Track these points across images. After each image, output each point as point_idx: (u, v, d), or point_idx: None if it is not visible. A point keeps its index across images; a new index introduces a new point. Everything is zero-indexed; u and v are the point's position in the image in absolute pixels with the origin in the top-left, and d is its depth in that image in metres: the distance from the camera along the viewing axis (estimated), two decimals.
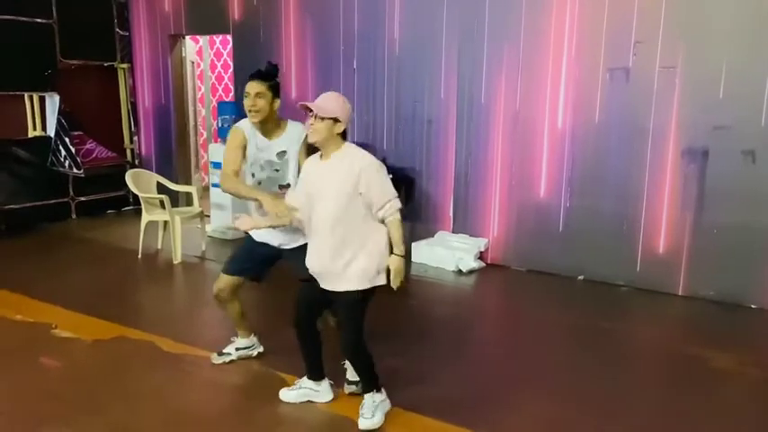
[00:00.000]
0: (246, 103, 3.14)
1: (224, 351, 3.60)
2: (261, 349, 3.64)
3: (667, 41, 4.62)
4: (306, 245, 2.97)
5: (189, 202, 7.05)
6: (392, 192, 2.85)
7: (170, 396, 3.21)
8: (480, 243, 5.55)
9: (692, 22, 4.54)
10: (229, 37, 8.35)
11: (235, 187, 3.21)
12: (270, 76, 3.21)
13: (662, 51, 4.65)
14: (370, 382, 2.97)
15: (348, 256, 2.81)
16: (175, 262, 5.50)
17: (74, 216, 7.15)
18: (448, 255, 5.43)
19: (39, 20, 6.59)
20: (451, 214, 5.75)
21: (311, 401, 3.13)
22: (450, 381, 3.41)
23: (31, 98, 6.74)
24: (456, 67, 5.55)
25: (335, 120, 2.79)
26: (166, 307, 4.64)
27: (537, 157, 5.28)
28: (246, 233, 3.35)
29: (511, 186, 5.44)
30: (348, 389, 3.24)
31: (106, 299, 4.61)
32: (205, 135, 8.95)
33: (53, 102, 6.81)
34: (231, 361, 3.55)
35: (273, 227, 3.16)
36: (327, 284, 2.89)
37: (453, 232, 5.74)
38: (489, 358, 3.77)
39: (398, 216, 2.86)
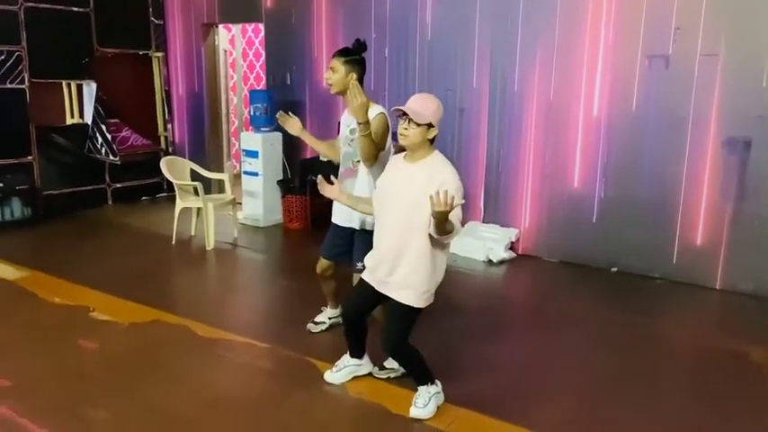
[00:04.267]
0: (325, 75, 3.43)
1: (317, 320, 3.87)
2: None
3: (709, 28, 4.49)
4: (372, 233, 2.99)
5: (221, 190, 7.14)
6: (458, 219, 2.63)
7: (205, 380, 3.26)
8: (511, 233, 5.50)
9: (735, 7, 4.40)
10: (261, 26, 8.42)
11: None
12: (348, 52, 3.33)
13: (703, 38, 4.51)
14: (421, 377, 2.96)
15: (406, 266, 2.76)
16: (208, 248, 5.58)
17: (110, 202, 7.30)
18: (478, 245, 5.40)
19: (76, 9, 6.70)
20: (482, 204, 5.70)
21: (356, 376, 3.22)
22: (483, 373, 3.39)
23: (69, 86, 6.88)
24: (489, 55, 5.48)
25: (429, 125, 2.72)
26: (200, 292, 4.71)
27: (571, 146, 5.19)
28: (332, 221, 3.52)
29: (543, 176, 5.37)
30: (380, 374, 3.26)
31: (142, 283, 4.70)
32: (237, 123, 9.03)
33: (90, 90, 6.93)
34: (326, 329, 3.83)
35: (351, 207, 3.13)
36: (381, 287, 2.87)
37: (484, 222, 5.69)
38: (522, 350, 3.73)
39: (447, 241, 2.73)
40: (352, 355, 3.22)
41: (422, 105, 2.72)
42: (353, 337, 3.15)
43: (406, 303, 2.79)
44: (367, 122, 3.06)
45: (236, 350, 3.62)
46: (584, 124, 5.10)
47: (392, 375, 3.28)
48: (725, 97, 4.50)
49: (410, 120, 2.69)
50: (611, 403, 3.11)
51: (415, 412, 2.90)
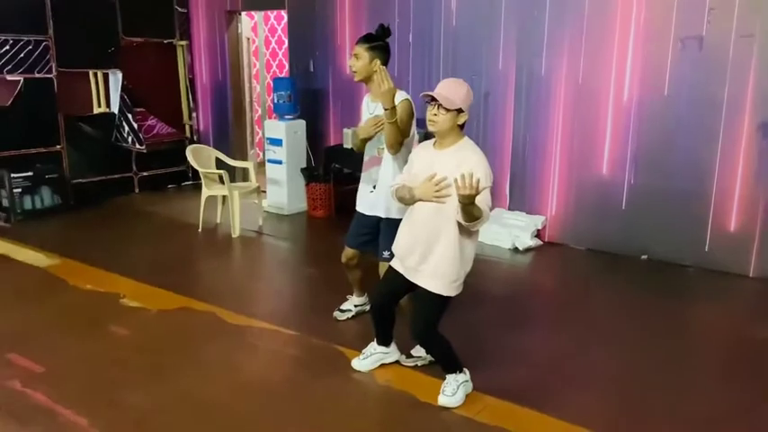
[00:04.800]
0: (349, 62, 3.44)
1: (343, 308, 3.89)
2: (368, 308, 3.75)
3: (744, 8, 4.35)
4: (398, 221, 2.99)
5: (245, 178, 7.17)
6: (486, 205, 2.59)
7: (235, 366, 3.28)
8: (537, 221, 5.43)
9: None
10: (284, 12, 8.40)
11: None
12: (372, 38, 3.29)
13: (738, 18, 4.38)
14: (449, 365, 2.94)
15: (437, 255, 2.74)
16: (234, 236, 5.61)
17: (137, 190, 7.38)
18: (504, 232, 5.35)
19: None
20: (508, 191, 5.64)
21: (383, 364, 3.22)
22: (511, 361, 3.36)
23: (95, 75, 6.94)
24: (515, 38, 5.39)
25: (459, 110, 2.67)
26: (227, 280, 4.75)
27: (600, 132, 5.10)
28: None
29: (571, 162, 5.28)
30: (407, 361, 3.26)
31: (170, 270, 4.75)
32: (260, 111, 9.04)
33: (116, 79, 6.98)
34: (352, 317, 3.84)
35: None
36: (411, 276, 2.84)
37: (509, 209, 5.63)
38: (550, 339, 3.69)
39: (486, 219, 2.62)
40: (380, 343, 3.22)
41: (451, 90, 2.68)
42: (381, 326, 3.14)
43: (437, 292, 2.77)
44: (393, 108, 3.03)
45: (264, 337, 3.64)
46: (614, 109, 5.00)
47: (419, 363, 3.27)
48: (761, 79, 4.37)
49: (439, 105, 2.64)
50: (642, 391, 3.06)
51: (443, 400, 2.89)
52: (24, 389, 3.01)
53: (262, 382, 3.15)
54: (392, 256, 3.01)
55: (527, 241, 5.27)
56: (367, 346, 3.27)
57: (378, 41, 3.29)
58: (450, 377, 2.94)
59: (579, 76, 5.11)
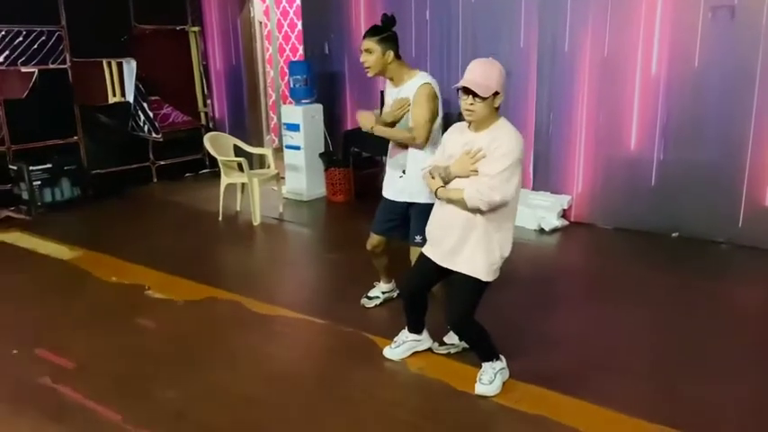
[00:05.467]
0: (361, 59, 3.28)
1: (371, 295, 3.82)
2: (395, 294, 3.77)
3: None
4: (429, 206, 2.92)
5: (262, 165, 7.11)
6: (501, 181, 2.52)
7: (266, 356, 3.24)
8: (563, 200, 5.32)
9: None
10: None
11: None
12: (380, 30, 3.20)
13: None
14: (486, 353, 2.87)
15: (474, 239, 2.66)
16: (255, 224, 5.56)
17: (155, 180, 7.35)
18: (529, 213, 5.24)
19: None
20: (531, 170, 5.52)
21: (415, 352, 3.15)
22: (546, 346, 3.29)
23: (109, 64, 6.88)
24: (537, 13, 5.23)
25: (495, 93, 2.56)
26: (252, 268, 4.70)
27: (627, 107, 4.95)
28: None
29: (597, 139, 5.15)
30: (440, 349, 3.19)
31: (193, 260, 4.71)
32: (274, 96, 8.95)
33: (130, 67, 6.92)
34: (380, 304, 3.77)
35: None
36: (446, 261, 2.75)
37: (534, 190, 5.52)
38: (584, 322, 3.61)
39: (475, 201, 2.56)
40: (411, 330, 3.15)
41: (484, 75, 2.53)
42: (413, 313, 3.08)
43: (475, 276, 2.69)
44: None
45: (292, 326, 3.59)
46: (642, 83, 4.84)
47: (452, 351, 3.20)
48: None
49: (474, 95, 2.52)
50: (682, 375, 2.97)
51: (480, 389, 2.82)
52: (55, 385, 2.99)
53: (294, 374, 3.10)
54: (424, 241, 2.93)
55: (553, 221, 5.16)
56: (398, 333, 3.20)
57: (386, 32, 3.19)
58: (486, 365, 2.88)
59: (605, 51, 4.96)
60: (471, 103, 2.54)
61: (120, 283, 4.27)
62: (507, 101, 5.37)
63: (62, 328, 3.62)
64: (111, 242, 5.12)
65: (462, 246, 2.69)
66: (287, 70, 8.75)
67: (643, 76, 4.83)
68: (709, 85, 4.55)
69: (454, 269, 2.74)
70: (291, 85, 6.30)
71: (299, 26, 8.46)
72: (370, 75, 3.28)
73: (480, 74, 2.54)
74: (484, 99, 2.52)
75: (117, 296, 4.07)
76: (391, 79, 3.29)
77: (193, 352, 3.30)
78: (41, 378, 3.05)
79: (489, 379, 2.84)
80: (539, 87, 5.35)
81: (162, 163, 7.41)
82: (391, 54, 3.18)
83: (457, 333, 2.94)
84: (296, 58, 8.52)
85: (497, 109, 2.62)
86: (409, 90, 3.17)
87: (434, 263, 2.81)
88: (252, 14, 7.47)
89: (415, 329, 3.15)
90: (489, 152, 2.57)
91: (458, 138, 2.73)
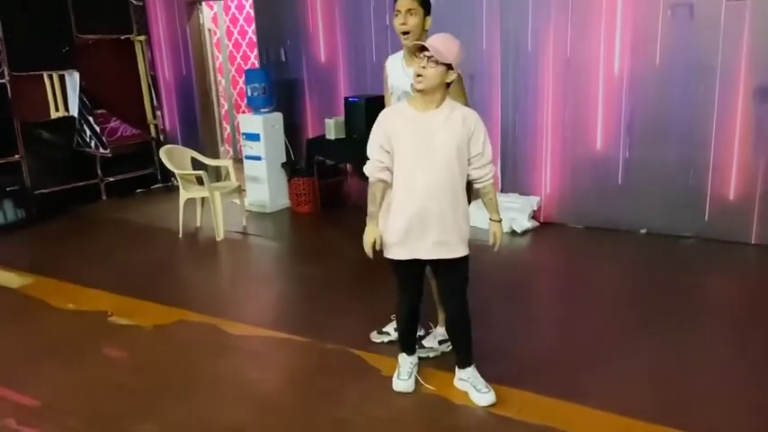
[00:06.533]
0: (396, 22, 2.86)
1: (383, 330, 3.36)
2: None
3: None
4: None
5: (219, 177, 6.85)
6: (491, 155, 2.66)
7: (248, 381, 3.05)
8: (533, 201, 5.31)
9: None
10: (245, 1, 8.04)
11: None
12: None
13: None
14: (471, 353, 2.79)
15: (460, 219, 2.61)
16: (218, 239, 5.32)
17: (104, 197, 6.96)
18: None
19: None
20: (500, 172, 5.49)
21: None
22: (530, 349, 3.24)
23: (50, 77, 6.49)
24: (498, 14, 5.22)
25: (449, 67, 2.48)
26: (220, 287, 4.48)
27: (592, 106, 4.99)
28: None
29: (564, 139, 5.17)
30: (420, 352, 3.05)
31: (156, 281, 4.45)
32: (226, 106, 8.68)
33: (73, 80, 6.54)
34: (390, 341, 3.27)
35: None
36: (434, 252, 2.61)
37: (502, 192, 5.48)
38: (563, 323, 3.58)
39: (491, 180, 2.68)
40: (410, 353, 2.94)
41: (443, 43, 2.48)
42: (414, 333, 2.96)
43: (464, 254, 2.66)
44: None
45: (273, 346, 3.41)
46: (605, 82, 4.89)
47: (431, 355, 3.12)
48: (754, 45, 4.31)
49: (428, 58, 2.44)
50: (671, 372, 2.97)
51: (484, 399, 2.72)
52: (20, 427, 2.72)
53: (281, 398, 2.93)
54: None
55: (524, 223, 5.14)
56: (399, 363, 2.93)
57: None
58: (471, 371, 2.79)
59: (567, 51, 4.98)
60: (423, 67, 2.45)
61: (78, 311, 3.98)
62: (472, 103, 5.37)
63: (21, 364, 3.32)
64: (64, 266, 4.79)
65: (450, 227, 2.59)
66: (239, 79, 8.61)
67: (606, 75, 4.88)
68: (672, 83, 4.63)
69: (447, 257, 2.62)
70: (249, 94, 6.08)
71: (250, 33, 8.25)
72: (408, 42, 2.84)
73: (440, 41, 2.49)
74: (437, 64, 2.44)
75: (77, 325, 3.78)
76: (409, 55, 2.90)
77: (169, 381, 3.08)
78: (5, 419, 2.77)
79: (485, 386, 2.75)
80: (503, 88, 5.34)
81: (111, 179, 7.03)
82: (429, 21, 2.87)
83: (462, 329, 2.77)
84: (248, 66, 8.28)
85: (447, 87, 2.54)
86: None
87: (417, 266, 2.69)
88: (201, 21, 7.21)
89: (414, 349, 2.98)
90: (471, 130, 2.55)
91: (406, 116, 2.57)
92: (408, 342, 2.94)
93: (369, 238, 2.63)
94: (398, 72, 3.03)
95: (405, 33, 2.86)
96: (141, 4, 7.16)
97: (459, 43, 2.52)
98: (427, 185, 2.54)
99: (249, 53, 8.38)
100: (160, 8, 7.16)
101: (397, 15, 2.86)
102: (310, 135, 6.37)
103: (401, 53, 3.05)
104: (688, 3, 4.46)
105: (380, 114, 2.66)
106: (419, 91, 2.51)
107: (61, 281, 4.48)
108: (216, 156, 7.30)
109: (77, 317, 3.90)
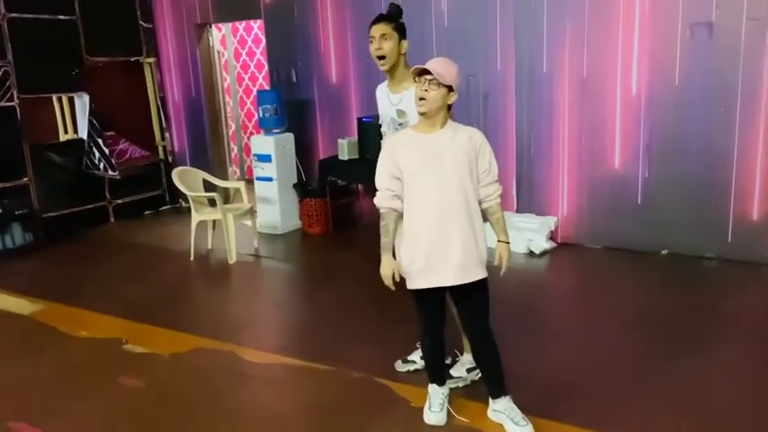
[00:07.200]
0: (372, 48, 2.91)
1: (408, 359, 3.25)
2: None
3: None
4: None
5: (227, 198, 6.78)
6: (497, 173, 2.64)
7: (273, 413, 2.95)
8: (550, 222, 5.24)
9: None
10: (253, 23, 8.05)
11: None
12: (393, 17, 2.94)
13: (748, 1, 4.27)
14: (502, 378, 2.69)
15: (478, 239, 2.56)
16: (231, 262, 5.23)
17: (112, 219, 6.89)
18: (517, 236, 5.10)
19: (62, 17, 6.27)
20: (515, 192, 5.43)
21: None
22: (549, 375, 3.14)
23: (60, 100, 6.44)
24: (513, 35, 5.19)
25: (450, 88, 2.48)
26: (236, 312, 4.37)
27: (609, 126, 4.94)
28: None
29: (581, 159, 5.11)
30: (450, 383, 2.94)
31: (170, 307, 4.35)
32: (233, 127, 8.65)
33: (82, 102, 6.50)
34: (416, 370, 3.18)
35: None
36: (459, 277, 2.54)
37: (518, 212, 5.42)
38: (587, 348, 3.47)
39: (498, 199, 2.65)
40: (441, 383, 2.84)
41: (443, 66, 2.47)
42: (442, 362, 2.87)
43: (484, 277, 2.60)
44: None
45: (295, 375, 3.31)
46: (623, 102, 4.84)
47: (461, 384, 3.02)
48: None
49: (431, 81, 2.43)
50: (697, 400, 2.87)
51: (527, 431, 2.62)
52: None
53: (311, 429, 2.82)
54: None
55: (543, 244, 5.06)
56: (429, 394, 2.82)
57: (398, 20, 2.94)
58: (504, 402, 2.68)
59: (584, 70, 4.95)
60: (426, 90, 2.45)
61: (92, 338, 3.88)
62: (486, 123, 5.36)
63: (36, 396, 3.21)
64: (75, 291, 4.70)
65: (469, 249, 2.53)
66: (246, 100, 8.59)
67: (624, 95, 4.83)
68: (691, 102, 4.59)
69: (470, 280, 2.56)
70: (261, 115, 6.04)
71: (258, 54, 8.25)
72: (384, 67, 2.91)
73: (438, 64, 2.48)
74: (439, 87, 2.43)
75: (92, 353, 3.68)
76: (392, 79, 2.97)
77: (191, 412, 2.97)
78: None
79: (523, 419, 2.64)
80: (518, 109, 5.29)
81: (119, 201, 6.97)
82: (405, 45, 2.92)
83: (491, 353, 2.68)
84: (256, 87, 8.27)
85: (450, 108, 2.54)
86: (412, 99, 2.76)
87: (439, 293, 2.62)
88: (211, 43, 7.19)
89: (444, 380, 2.87)
90: (477, 149, 2.55)
91: (412, 141, 2.56)
92: (438, 372, 2.85)
93: (386, 270, 2.55)
94: (384, 101, 3.08)
95: (380, 58, 2.90)
96: (151, 26, 7.16)
97: (457, 66, 2.54)
98: (441, 206, 2.51)
99: (257, 74, 8.37)
100: (170, 30, 7.15)
101: (371, 41, 2.90)
102: (321, 155, 6.32)
103: (387, 82, 3.07)
104: (707, 22, 4.43)
105: (386, 143, 2.67)
106: (422, 114, 2.52)
107: (72, 307, 4.38)
108: (224, 177, 7.24)
109: (91, 345, 3.79)
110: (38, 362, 3.59)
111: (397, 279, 2.57)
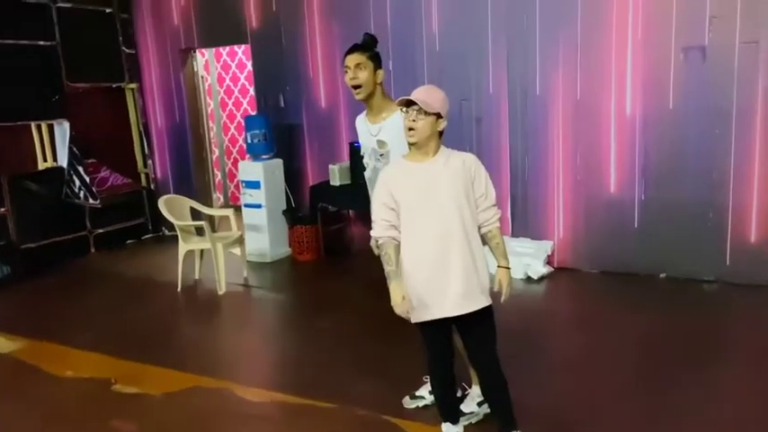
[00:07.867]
0: (347, 77, 2.87)
1: (417, 394, 3.13)
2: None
3: (747, 14, 4.28)
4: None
5: (212, 226, 6.59)
6: (494, 198, 2.59)
7: None
8: (546, 246, 5.17)
9: None
10: (237, 48, 7.95)
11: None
12: (368, 46, 2.89)
13: (741, 25, 4.31)
14: (512, 413, 2.58)
15: (478, 267, 2.50)
16: (220, 293, 5.05)
17: (93, 250, 6.65)
18: (514, 261, 4.95)
19: (41, 42, 6.11)
20: (509, 216, 5.36)
21: None
22: (556, 406, 3.05)
23: (38, 127, 6.24)
24: (505, 59, 5.17)
25: (438, 116, 2.43)
26: (230, 347, 4.19)
27: (604, 149, 4.92)
28: None
29: (576, 182, 5.07)
30: (463, 419, 2.82)
31: (160, 343, 4.16)
32: (217, 153, 8.49)
33: (62, 130, 6.31)
34: (425, 406, 3.06)
35: None
36: (460, 307, 2.46)
37: (513, 236, 5.35)
38: (588, 376, 3.40)
39: (498, 223, 2.58)
40: (455, 421, 2.74)
41: (428, 94, 2.45)
42: (453, 398, 2.75)
43: (488, 305, 2.52)
44: None
45: (297, 414, 3.14)
46: (617, 124, 4.83)
47: (473, 420, 2.90)
48: None
49: (417, 110, 2.39)
50: (677, 424, 2.78)
51: None
52: None
53: None
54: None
55: (540, 269, 4.99)
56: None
57: (373, 50, 2.91)
58: None
59: (577, 94, 4.93)
60: (414, 120, 2.40)
61: (78, 378, 3.67)
62: (480, 147, 5.30)
63: None
64: (58, 327, 4.48)
65: (470, 279, 2.46)
66: (230, 125, 8.46)
67: (618, 118, 4.82)
68: (686, 125, 4.59)
69: (472, 310, 2.47)
70: (249, 141, 5.91)
71: (242, 80, 8.15)
72: (360, 96, 2.89)
73: (423, 93, 2.46)
74: (426, 116, 2.39)
75: (79, 395, 3.47)
76: (370, 109, 2.95)
77: None
78: None
79: None
80: (511, 132, 5.25)
81: (100, 231, 6.74)
82: (381, 74, 2.89)
83: (495, 388, 2.59)
84: (240, 113, 8.15)
85: (441, 135, 2.49)
86: (392, 127, 2.81)
87: (445, 324, 2.53)
88: (195, 69, 7.07)
89: (458, 418, 2.76)
90: (472, 174, 2.51)
91: (405, 171, 2.51)
92: (450, 410, 2.73)
93: (396, 297, 2.45)
94: (364, 132, 3.05)
95: (355, 87, 2.87)
96: (133, 52, 7.02)
97: (443, 92, 2.51)
98: (440, 236, 2.45)
99: (242, 99, 8.26)
100: (153, 56, 7.02)
101: (346, 71, 2.87)
102: (311, 181, 6.20)
103: (365, 112, 3.04)
104: (700, 46, 4.45)
105: (381, 175, 2.61)
106: (412, 144, 2.47)
107: (56, 344, 4.17)
108: (209, 204, 7.07)
109: (78, 385, 3.59)
110: (21, 405, 3.38)
111: (413, 304, 2.46)
